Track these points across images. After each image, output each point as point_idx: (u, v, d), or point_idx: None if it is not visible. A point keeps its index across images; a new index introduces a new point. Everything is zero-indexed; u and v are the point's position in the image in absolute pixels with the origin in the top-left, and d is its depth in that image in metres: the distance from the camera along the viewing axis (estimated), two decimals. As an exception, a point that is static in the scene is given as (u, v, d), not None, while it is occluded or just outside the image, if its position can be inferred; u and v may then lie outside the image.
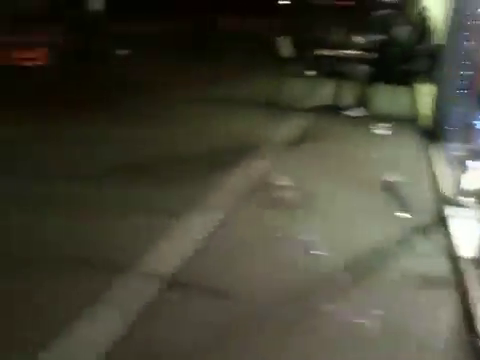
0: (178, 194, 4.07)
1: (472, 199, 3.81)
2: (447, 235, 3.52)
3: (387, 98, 7.39)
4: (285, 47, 7.64)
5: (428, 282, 3.01)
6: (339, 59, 7.35)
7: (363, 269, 3.18)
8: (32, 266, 2.99)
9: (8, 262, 3.03)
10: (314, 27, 10.42)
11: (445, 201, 3.96)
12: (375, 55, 7.24)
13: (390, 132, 5.99)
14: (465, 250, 3.17)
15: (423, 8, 9.86)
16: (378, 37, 8.51)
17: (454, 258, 3.19)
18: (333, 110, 6.95)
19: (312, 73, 7.86)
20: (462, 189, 3.92)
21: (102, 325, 2.52)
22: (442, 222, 3.73)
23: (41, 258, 3.08)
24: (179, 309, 2.67)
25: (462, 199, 3.89)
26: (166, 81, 8.41)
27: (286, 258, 3.22)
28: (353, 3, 18.78)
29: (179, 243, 3.35)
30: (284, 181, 4.42)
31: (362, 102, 6.98)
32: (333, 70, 7.46)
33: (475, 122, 4.02)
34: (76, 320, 2.51)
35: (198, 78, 8.82)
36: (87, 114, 6.27)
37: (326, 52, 7.53)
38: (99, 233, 3.43)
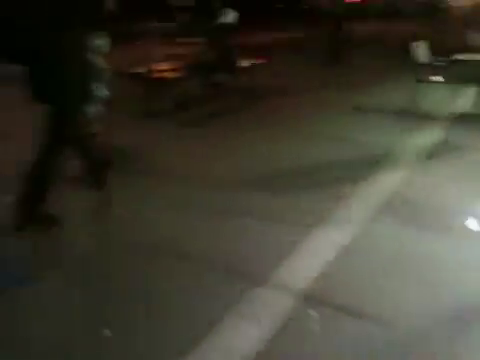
0: (309, 206, 3.98)
1: None
2: None
3: None
4: (421, 52, 7.26)
5: None
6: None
7: None
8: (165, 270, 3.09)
9: (150, 263, 3.15)
10: (451, 30, 9.81)
11: None
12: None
13: None
14: None
15: None
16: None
17: None
18: (474, 119, 6.44)
19: (451, 79, 7.36)
20: None
21: (238, 339, 2.51)
22: None
23: (179, 266, 3.17)
24: (317, 327, 2.60)
25: None
26: (292, 90, 8.40)
27: (433, 280, 2.99)
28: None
29: (312, 257, 3.27)
30: (423, 195, 4.15)
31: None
32: (474, 76, 6.94)
33: None
34: (211, 332, 2.53)
35: (327, 85, 8.70)
36: (217, 124, 6.49)
37: (466, 57, 7.03)
38: (232, 241, 3.46)
